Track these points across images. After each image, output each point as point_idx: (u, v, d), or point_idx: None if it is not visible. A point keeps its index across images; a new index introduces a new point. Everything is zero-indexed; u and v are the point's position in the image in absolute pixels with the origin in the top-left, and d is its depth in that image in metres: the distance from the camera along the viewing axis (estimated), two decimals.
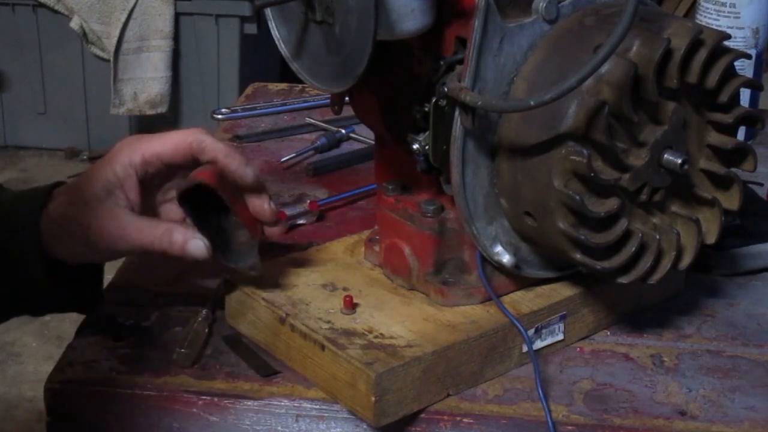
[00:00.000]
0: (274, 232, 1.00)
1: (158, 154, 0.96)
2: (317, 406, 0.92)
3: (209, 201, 0.95)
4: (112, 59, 3.10)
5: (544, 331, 0.98)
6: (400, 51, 0.94)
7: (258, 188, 0.97)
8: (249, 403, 0.93)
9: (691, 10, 3.54)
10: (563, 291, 1.00)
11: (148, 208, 0.98)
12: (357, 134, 1.41)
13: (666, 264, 0.94)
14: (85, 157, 3.31)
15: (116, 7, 3.07)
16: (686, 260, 0.96)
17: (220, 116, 1.49)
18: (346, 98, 1.03)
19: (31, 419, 2.25)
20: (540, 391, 0.92)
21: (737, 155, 0.96)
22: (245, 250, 0.97)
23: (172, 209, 0.99)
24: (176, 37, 3.13)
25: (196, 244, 0.93)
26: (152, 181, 0.97)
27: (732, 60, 0.92)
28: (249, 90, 1.60)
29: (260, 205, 0.97)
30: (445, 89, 0.89)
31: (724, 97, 0.93)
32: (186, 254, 0.93)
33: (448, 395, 0.93)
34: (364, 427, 0.91)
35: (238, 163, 0.95)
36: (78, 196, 0.95)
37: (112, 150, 0.97)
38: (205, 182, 0.94)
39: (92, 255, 0.96)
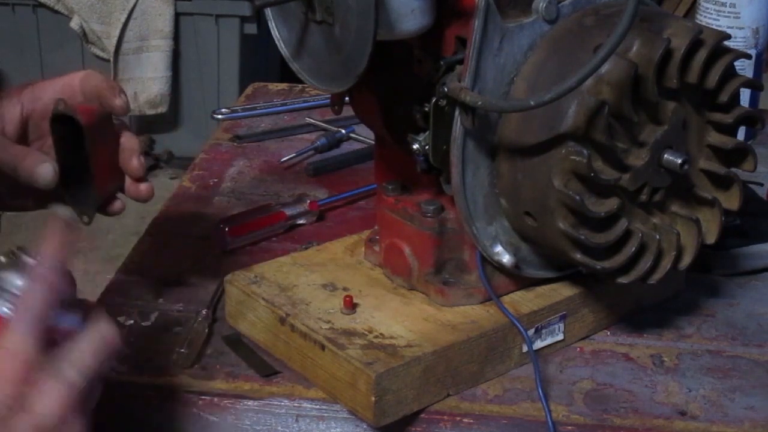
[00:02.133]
0: (140, 190, 0.95)
1: (47, 88, 0.93)
2: (317, 406, 0.93)
3: (77, 134, 0.91)
4: (112, 59, 3.10)
5: (544, 331, 0.98)
6: (400, 51, 0.94)
7: (130, 141, 0.94)
8: (249, 403, 0.93)
9: (691, 10, 3.54)
10: (563, 291, 1.00)
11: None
12: (357, 134, 1.41)
13: (666, 264, 0.94)
14: None
15: (116, 7, 3.07)
16: (686, 260, 0.96)
17: (220, 116, 1.49)
18: (346, 98, 1.03)
19: None
20: (540, 391, 0.92)
21: (737, 155, 0.96)
22: (90, 194, 0.93)
23: None
24: (176, 37, 3.12)
25: (46, 168, 0.89)
26: (38, 125, 0.94)
27: (732, 60, 0.92)
28: (249, 90, 1.60)
29: (128, 158, 0.94)
30: (445, 89, 0.89)
31: (724, 97, 0.93)
32: (34, 177, 0.89)
33: (448, 395, 0.93)
34: (364, 427, 0.91)
35: (115, 92, 0.92)
36: None
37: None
38: (72, 113, 0.90)
39: None
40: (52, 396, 0.70)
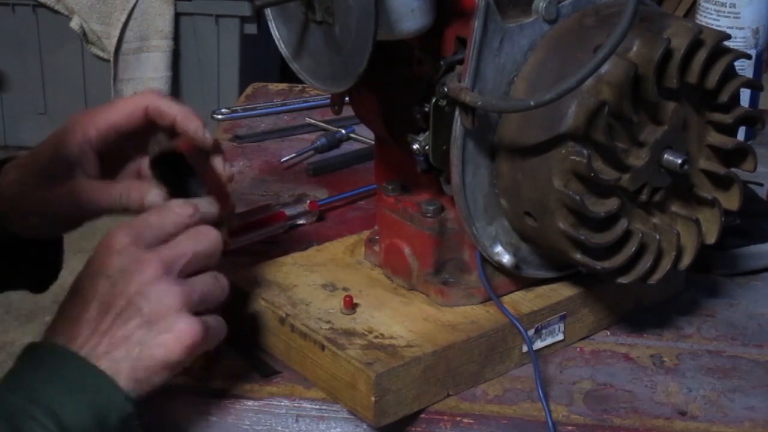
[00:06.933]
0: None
1: (114, 126, 0.96)
2: (317, 406, 0.93)
3: (181, 169, 0.94)
4: (112, 59, 3.10)
5: (544, 331, 0.98)
6: (400, 51, 0.94)
7: (216, 151, 0.97)
8: (249, 403, 0.93)
9: (691, 10, 3.54)
10: (563, 291, 1.00)
11: (109, 177, 0.98)
12: (357, 134, 1.41)
13: (666, 264, 0.94)
14: None
15: (116, 7, 3.07)
16: (686, 260, 0.96)
17: (220, 116, 1.49)
18: (346, 98, 1.03)
19: None
20: (540, 391, 0.92)
21: (737, 155, 0.96)
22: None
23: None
24: (176, 37, 3.13)
25: (155, 195, 0.93)
26: (112, 152, 0.97)
27: (732, 60, 0.92)
28: (249, 90, 1.60)
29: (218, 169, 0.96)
30: (445, 89, 0.89)
31: (724, 97, 0.93)
32: (147, 206, 0.93)
33: (448, 395, 0.93)
34: (364, 427, 0.91)
35: (195, 126, 0.95)
36: (32, 173, 0.95)
37: (64, 126, 0.96)
38: (177, 149, 0.92)
39: (49, 228, 0.96)
40: (167, 294, 0.82)
